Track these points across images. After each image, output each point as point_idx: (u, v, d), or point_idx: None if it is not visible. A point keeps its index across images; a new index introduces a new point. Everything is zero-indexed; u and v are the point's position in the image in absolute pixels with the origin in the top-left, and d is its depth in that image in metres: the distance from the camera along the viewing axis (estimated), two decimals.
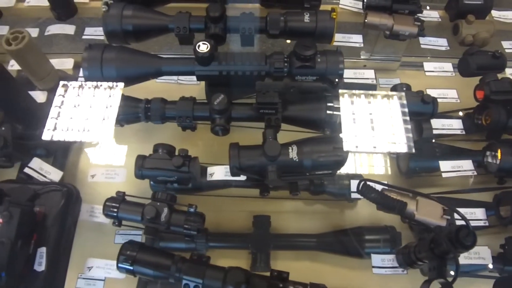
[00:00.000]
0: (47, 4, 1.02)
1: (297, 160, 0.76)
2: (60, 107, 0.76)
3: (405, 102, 0.79)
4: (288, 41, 1.00)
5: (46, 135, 0.73)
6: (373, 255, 0.82)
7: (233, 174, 0.78)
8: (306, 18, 0.90)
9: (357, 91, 0.80)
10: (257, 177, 0.78)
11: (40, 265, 0.73)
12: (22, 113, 0.86)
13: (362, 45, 0.97)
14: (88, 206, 0.82)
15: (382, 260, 0.81)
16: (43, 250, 0.74)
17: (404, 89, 0.89)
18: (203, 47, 0.82)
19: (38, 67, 0.88)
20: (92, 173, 0.85)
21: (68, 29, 0.98)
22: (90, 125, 0.74)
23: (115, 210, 0.78)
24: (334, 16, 0.89)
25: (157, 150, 0.82)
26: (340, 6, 1.01)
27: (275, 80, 0.87)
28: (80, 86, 0.78)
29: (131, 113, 0.84)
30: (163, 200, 0.78)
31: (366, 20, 0.95)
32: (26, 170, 0.86)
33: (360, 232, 0.91)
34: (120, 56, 0.84)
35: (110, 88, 0.78)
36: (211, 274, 0.73)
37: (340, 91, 0.79)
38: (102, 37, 0.96)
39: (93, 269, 0.79)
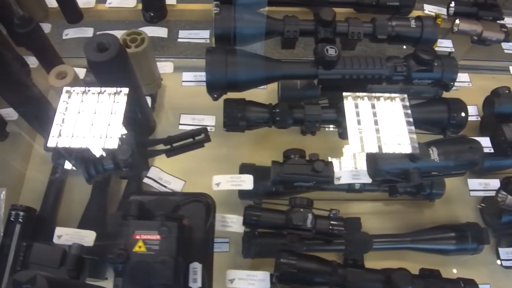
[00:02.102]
0: (129, 5, 0.98)
1: (438, 161, 0.78)
2: (64, 113, 0.71)
3: (407, 103, 0.78)
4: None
5: (51, 142, 0.68)
6: (500, 249, 0.86)
7: (374, 177, 0.79)
8: (412, 23, 0.92)
9: (360, 94, 0.80)
10: (395, 179, 0.79)
11: (195, 281, 0.69)
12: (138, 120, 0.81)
13: (453, 49, 1.00)
14: (219, 215, 0.79)
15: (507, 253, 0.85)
16: (196, 266, 0.70)
17: (507, 92, 0.93)
18: (332, 51, 0.82)
19: (149, 71, 0.84)
20: (217, 181, 0.81)
21: (161, 31, 0.94)
22: (95, 131, 0.70)
23: (256, 218, 0.76)
24: (439, 22, 0.92)
25: (289, 156, 0.80)
26: (426, 11, 1.05)
27: (389, 84, 0.88)
28: (84, 92, 0.73)
29: (258, 118, 0.82)
30: (304, 206, 0.77)
31: (457, 27, 0.99)
32: (146, 180, 0.81)
33: (447, 229, 0.94)
34: (244, 60, 0.82)
35: (115, 94, 0.74)
36: (372, 277, 0.73)
37: (344, 94, 0.78)
38: (198, 41, 0.94)
39: (236, 281, 0.76)
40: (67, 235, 0.78)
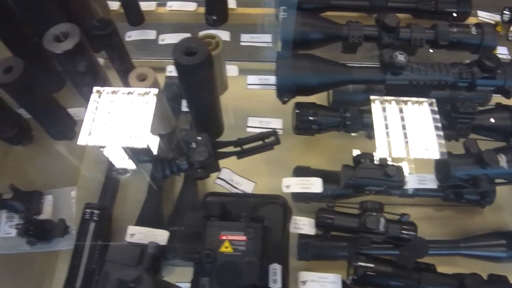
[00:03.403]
0: (189, 9, 0.99)
1: (506, 167, 0.79)
2: (94, 112, 0.73)
3: (435, 108, 0.79)
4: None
5: (81, 141, 0.70)
6: None
7: (443, 183, 0.80)
8: (473, 30, 0.93)
9: (388, 97, 0.81)
10: (464, 185, 0.80)
11: (275, 282, 0.70)
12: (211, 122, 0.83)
13: (509, 56, 1.02)
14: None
15: None
16: (276, 267, 0.71)
17: None
18: (401, 57, 0.83)
19: (220, 74, 0.85)
20: (287, 183, 0.83)
21: (224, 35, 0.95)
22: (124, 131, 0.72)
23: (330, 221, 0.77)
24: (499, 30, 0.93)
25: (359, 160, 0.81)
26: (479, 18, 1.06)
27: (452, 90, 0.90)
28: (114, 92, 0.75)
29: (329, 122, 0.83)
30: (376, 210, 0.78)
31: None
32: (217, 181, 0.82)
33: (498, 236, 0.95)
34: (314, 64, 0.83)
35: (144, 94, 0.75)
36: (445, 281, 0.74)
37: (371, 97, 0.79)
38: (260, 44, 0.95)
39: (308, 283, 0.77)
40: (140, 234, 0.79)
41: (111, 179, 0.98)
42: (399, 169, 0.81)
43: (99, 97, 0.73)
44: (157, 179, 0.96)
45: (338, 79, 0.86)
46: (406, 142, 0.75)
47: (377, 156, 0.80)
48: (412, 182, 0.84)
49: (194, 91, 0.75)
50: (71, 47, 0.66)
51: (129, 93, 0.73)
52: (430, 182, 0.85)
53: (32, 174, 0.98)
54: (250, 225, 0.68)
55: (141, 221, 0.89)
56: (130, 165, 0.92)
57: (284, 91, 0.83)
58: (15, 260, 0.87)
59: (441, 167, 0.81)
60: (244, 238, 0.67)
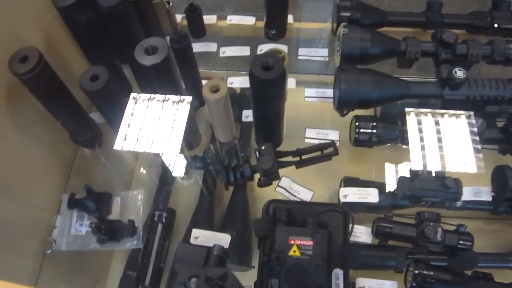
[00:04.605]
0: (249, 23, 1.04)
1: None
2: (130, 118, 0.75)
3: (473, 121, 0.80)
4: None
5: (117, 145, 0.71)
6: None
7: (500, 195, 0.82)
8: None
9: (424, 110, 0.81)
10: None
11: (338, 286, 0.73)
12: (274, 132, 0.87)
13: None
14: None
15: None
16: (338, 272, 0.74)
17: None
18: (460, 73, 0.85)
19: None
20: (344, 193, 0.86)
21: (283, 49, 0.99)
22: (158, 137, 0.73)
23: (389, 230, 0.80)
24: None
25: (417, 172, 0.84)
26: None
27: (508, 105, 0.91)
28: (149, 99, 0.76)
29: (388, 135, 0.86)
30: (434, 220, 0.81)
31: None
32: (278, 189, 0.86)
33: None
34: (376, 79, 0.86)
35: (178, 102, 0.77)
36: None
37: (407, 109, 0.80)
38: (317, 58, 0.99)
39: None
40: (204, 237, 0.84)
41: (165, 183, 1.02)
42: (457, 181, 0.83)
43: (135, 103, 0.75)
44: (209, 186, 1.01)
45: (398, 94, 0.88)
46: (442, 155, 0.76)
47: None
48: (467, 194, 0.86)
49: (265, 103, 0.79)
50: (159, 61, 0.71)
51: (164, 100, 0.75)
52: (485, 194, 0.87)
53: (97, 176, 1.05)
54: (316, 230, 0.72)
55: (194, 225, 0.93)
56: (184, 171, 0.98)
57: (345, 104, 0.86)
58: (73, 257, 0.92)
59: (498, 179, 0.83)
60: (311, 243, 0.71)
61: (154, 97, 0.76)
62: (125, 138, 0.72)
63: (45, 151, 0.91)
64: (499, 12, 1.02)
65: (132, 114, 0.75)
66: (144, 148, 0.71)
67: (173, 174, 1.02)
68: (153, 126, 0.73)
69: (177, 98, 0.75)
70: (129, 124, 0.73)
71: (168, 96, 0.75)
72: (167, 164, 1.01)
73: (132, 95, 0.76)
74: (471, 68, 0.95)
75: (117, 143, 0.72)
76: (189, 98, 0.75)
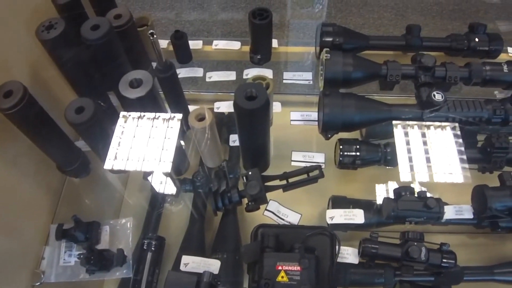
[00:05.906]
0: (234, 48, 1.06)
1: None
2: (120, 137, 0.75)
3: (459, 132, 0.83)
4: None
5: (107, 165, 0.71)
6: None
7: (480, 214, 0.84)
8: (505, 68, 0.98)
9: (411, 122, 0.85)
10: (501, 216, 0.84)
11: None
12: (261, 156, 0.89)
13: None
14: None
15: None
16: None
17: None
18: (438, 96, 0.88)
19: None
20: (331, 215, 0.87)
21: (268, 73, 1.01)
22: (149, 155, 0.73)
23: (375, 250, 0.82)
24: None
25: (400, 193, 0.86)
26: (509, 54, 1.11)
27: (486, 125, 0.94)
28: (140, 117, 0.77)
29: (371, 157, 0.88)
30: (417, 239, 0.83)
31: None
32: (266, 213, 0.87)
33: None
34: (358, 103, 0.89)
35: (168, 119, 0.77)
36: None
37: (394, 122, 0.84)
38: (301, 82, 1.01)
39: None
40: (194, 263, 0.85)
41: (154, 208, 1.02)
42: (438, 201, 0.85)
43: (125, 121, 0.76)
44: (199, 209, 1.02)
45: (380, 117, 0.91)
46: (429, 167, 0.79)
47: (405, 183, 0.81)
48: (450, 212, 0.88)
49: (250, 131, 0.81)
50: (144, 93, 0.72)
51: (154, 118, 0.75)
52: (467, 212, 0.89)
53: (85, 205, 1.05)
54: (303, 255, 0.74)
55: (185, 249, 0.93)
56: (173, 194, 0.98)
57: (330, 128, 0.88)
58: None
59: (478, 198, 0.86)
60: (298, 268, 0.73)
61: (144, 115, 0.76)
62: (116, 157, 0.72)
63: (32, 182, 0.91)
64: (475, 34, 1.06)
65: (122, 132, 0.75)
66: (135, 167, 0.71)
67: (164, 192, 1.02)
68: (143, 145, 0.73)
69: (167, 115, 0.75)
70: (119, 143, 0.74)
71: (158, 114, 0.75)
72: (156, 187, 1.01)
73: (122, 113, 0.76)
74: (452, 87, 0.99)
75: (107, 163, 0.72)
76: (179, 116, 0.75)
